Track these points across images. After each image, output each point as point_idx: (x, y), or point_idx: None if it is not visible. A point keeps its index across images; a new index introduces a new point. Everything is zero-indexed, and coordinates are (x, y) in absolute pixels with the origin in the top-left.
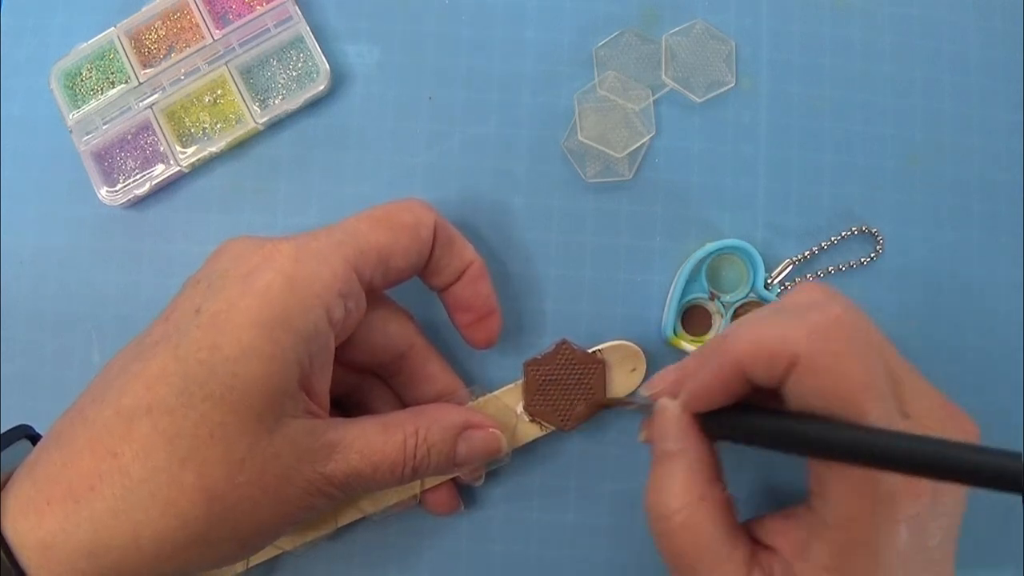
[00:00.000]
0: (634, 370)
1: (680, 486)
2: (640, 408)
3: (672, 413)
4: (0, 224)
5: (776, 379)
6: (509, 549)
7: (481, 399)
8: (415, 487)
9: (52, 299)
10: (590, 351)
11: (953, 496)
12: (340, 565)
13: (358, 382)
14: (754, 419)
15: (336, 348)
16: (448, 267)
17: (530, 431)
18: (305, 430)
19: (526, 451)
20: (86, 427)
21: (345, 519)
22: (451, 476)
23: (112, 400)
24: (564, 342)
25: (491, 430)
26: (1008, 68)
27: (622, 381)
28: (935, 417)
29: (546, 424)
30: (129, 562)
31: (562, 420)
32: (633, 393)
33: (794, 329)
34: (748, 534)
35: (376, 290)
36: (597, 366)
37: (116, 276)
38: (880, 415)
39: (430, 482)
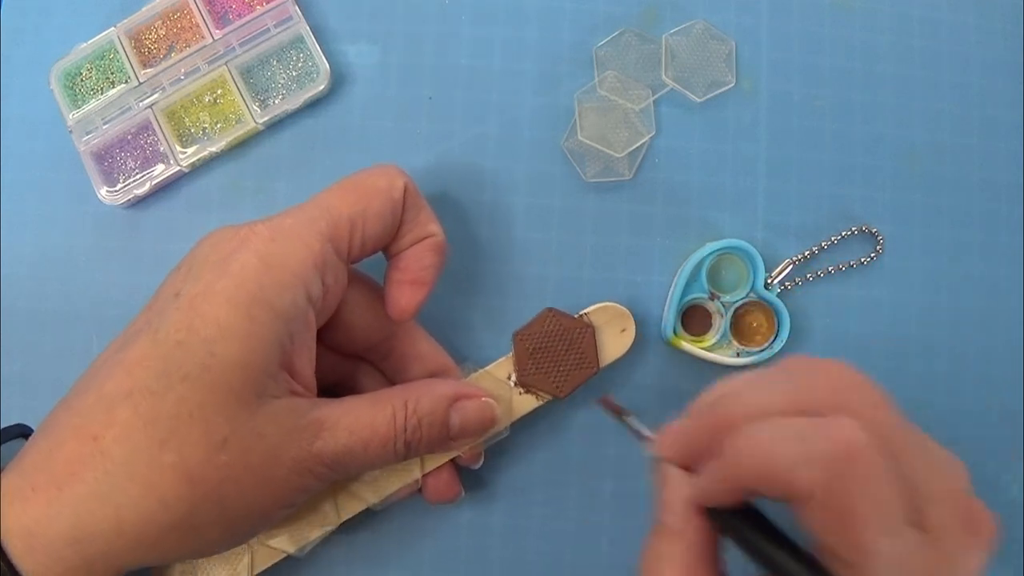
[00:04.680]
0: (624, 330)
1: (673, 568)
2: (636, 434)
3: (678, 490)
4: (0, 224)
5: (787, 501)
6: (509, 549)
7: (473, 375)
8: (415, 470)
9: (52, 299)
10: (576, 316)
11: None
12: (340, 566)
13: (350, 370)
14: (752, 537)
15: (324, 333)
16: (409, 233)
17: (527, 403)
18: (289, 409)
19: (526, 451)
20: (69, 415)
21: (348, 511)
22: (450, 456)
23: (95, 388)
24: (549, 309)
25: (484, 399)
26: (1008, 68)
27: (612, 343)
28: (950, 526)
29: (542, 393)
30: (113, 549)
31: (556, 387)
32: (622, 410)
33: (810, 465)
34: None
35: (355, 260)
36: (586, 330)
37: (116, 276)
38: (890, 551)
39: (430, 465)
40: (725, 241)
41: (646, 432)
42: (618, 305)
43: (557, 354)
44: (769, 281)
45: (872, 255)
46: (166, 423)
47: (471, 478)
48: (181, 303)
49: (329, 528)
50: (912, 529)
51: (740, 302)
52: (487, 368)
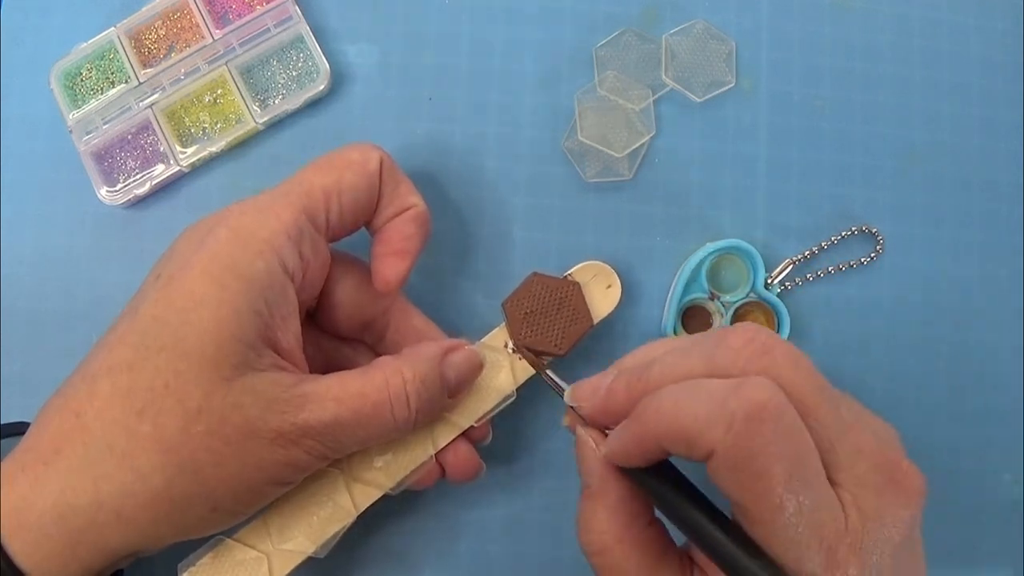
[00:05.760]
0: (610, 287)
1: (600, 526)
2: (552, 384)
3: (591, 452)
4: (0, 224)
5: (695, 459)
6: (509, 549)
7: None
8: (427, 448)
9: (52, 299)
10: (561, 276)
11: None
12: (340, 567)
13: (348, 353)
14: (665, 494)
15: (317, 315)
16: (389, 206)
17: (528, 368)
18: (272, 382)
19: (525, 451)
20: (57, 397)
21: (364, 502)
22: (459, 431)
23: (81, 369)
24: (534, 273)
25: (468, 347)
26: (1008, 68)
27: (600, 299)
28: (868, 482)
29: (544, 355)
30: (96, 524)
31: (555, 346)
32: (553, 372)
33: (713, 422)
34: (682, 557)
35: (335, 233)
36: (573, 288)
37: (116, 276)
38: (797, 507)
39: (442, 441)
40: (725, 241)
41: (561, 383)
42: (600, 262)
43: (550, 314)
44: (769, 281)
45: (872, 255)
46: (142, 394)
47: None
48: (160, 283)
49: (347, 523)
50: (824, 485)
51: (740, 302)
52: (483, 340)
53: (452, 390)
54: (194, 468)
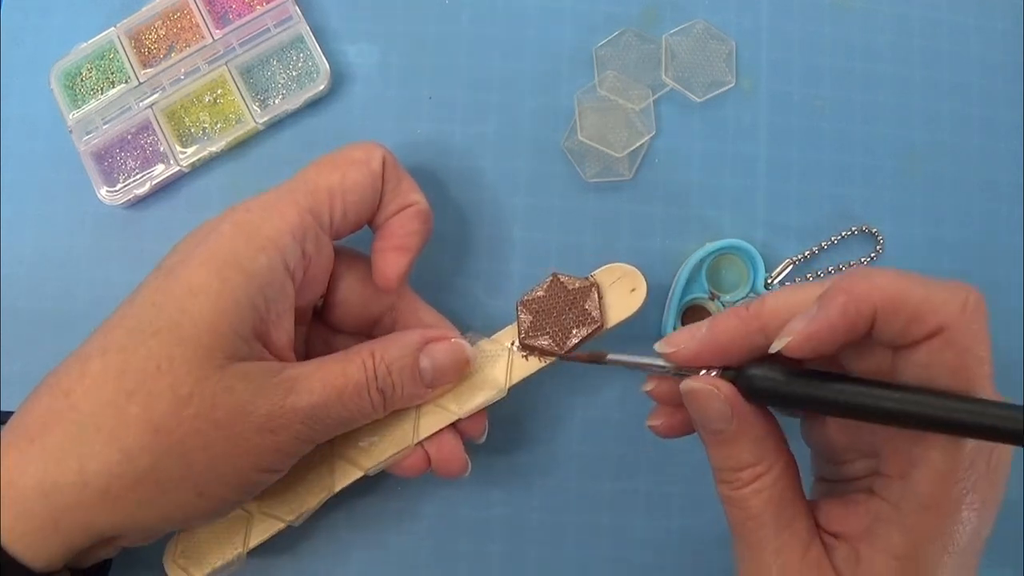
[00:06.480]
0: (634, 290)
1: (742, 464)
2: (630, 366)
3: (717, 397)
4: (0, 224)
5: (903, 341)
6: (509, 549)
7: (478, 343)
8: (408, 435)
9: (52, 299)
10: (584, 277)
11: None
12: (339, 566)
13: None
14: (847, 387)
15: (325, 313)
16: (392, 203)
17: (530, 365)
18: (261, 369)
19: (526, 451)
20: (50, 376)
21: (344, 479)
22: (445, 422)
23: (75, 351)
24: (554, 275)
25: (454, 340)
26: (1008, 68)
27: (620, 302)
28: None
29: (545, 355)
30: (80, 503)
31: (557, 345)
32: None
33: (946, 300)
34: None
35: (339, 231)
36: (588, 289)
37: (116, 276)
38: (992, 396)
39: (425, 431)
40: (725, 241)
41: (640, 360)
42: (628, 265)
43: (559, 314)
44: (769, 281)
45: (872, 255)
46: (134, 375)
47: (472, 476)
48: (160, 272)
49: (325, 495)
50: None
51: (740, 302)
52: (494, 336)
53: (428, 380)
54: (181, 451)
